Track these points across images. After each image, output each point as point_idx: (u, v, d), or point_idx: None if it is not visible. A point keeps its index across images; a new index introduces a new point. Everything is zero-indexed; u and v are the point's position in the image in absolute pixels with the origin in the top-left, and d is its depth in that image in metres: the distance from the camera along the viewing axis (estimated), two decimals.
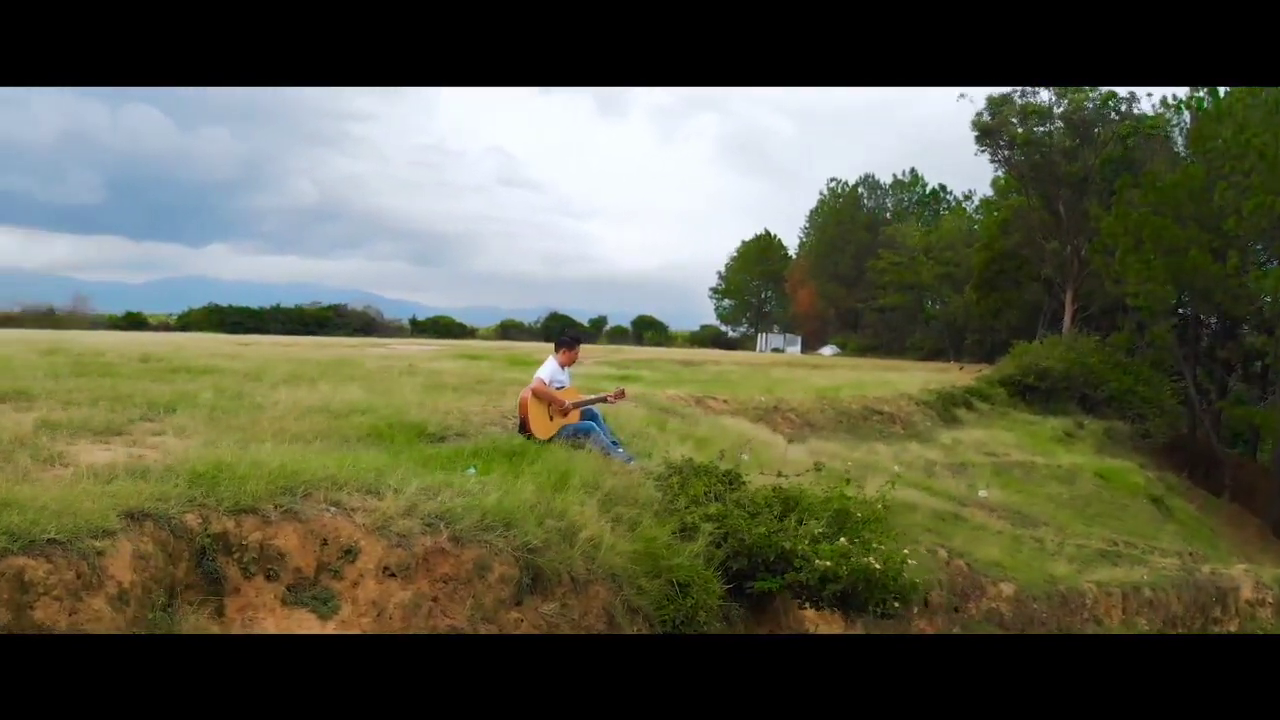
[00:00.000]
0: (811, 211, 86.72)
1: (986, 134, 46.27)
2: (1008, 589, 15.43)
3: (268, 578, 5.60)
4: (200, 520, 5.47)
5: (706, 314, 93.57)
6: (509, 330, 67.95)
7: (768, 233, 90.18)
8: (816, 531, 8.23)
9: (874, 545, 8.05)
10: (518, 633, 6.29)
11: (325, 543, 5.83)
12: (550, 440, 9.01)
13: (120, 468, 5.82)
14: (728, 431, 17.40)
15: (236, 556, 5.52)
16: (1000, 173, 52.70)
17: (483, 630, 6.14)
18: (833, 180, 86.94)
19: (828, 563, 7.70)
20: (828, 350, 74.65)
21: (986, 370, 41.37)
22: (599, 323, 77.47)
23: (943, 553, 15.18)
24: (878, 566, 7.74)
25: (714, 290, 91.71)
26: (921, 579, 13.88)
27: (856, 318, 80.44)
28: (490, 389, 14.08)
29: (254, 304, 63.34)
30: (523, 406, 9.19)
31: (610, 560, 7.11)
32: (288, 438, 7.68)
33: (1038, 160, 46.23)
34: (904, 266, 67.58)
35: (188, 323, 58.16)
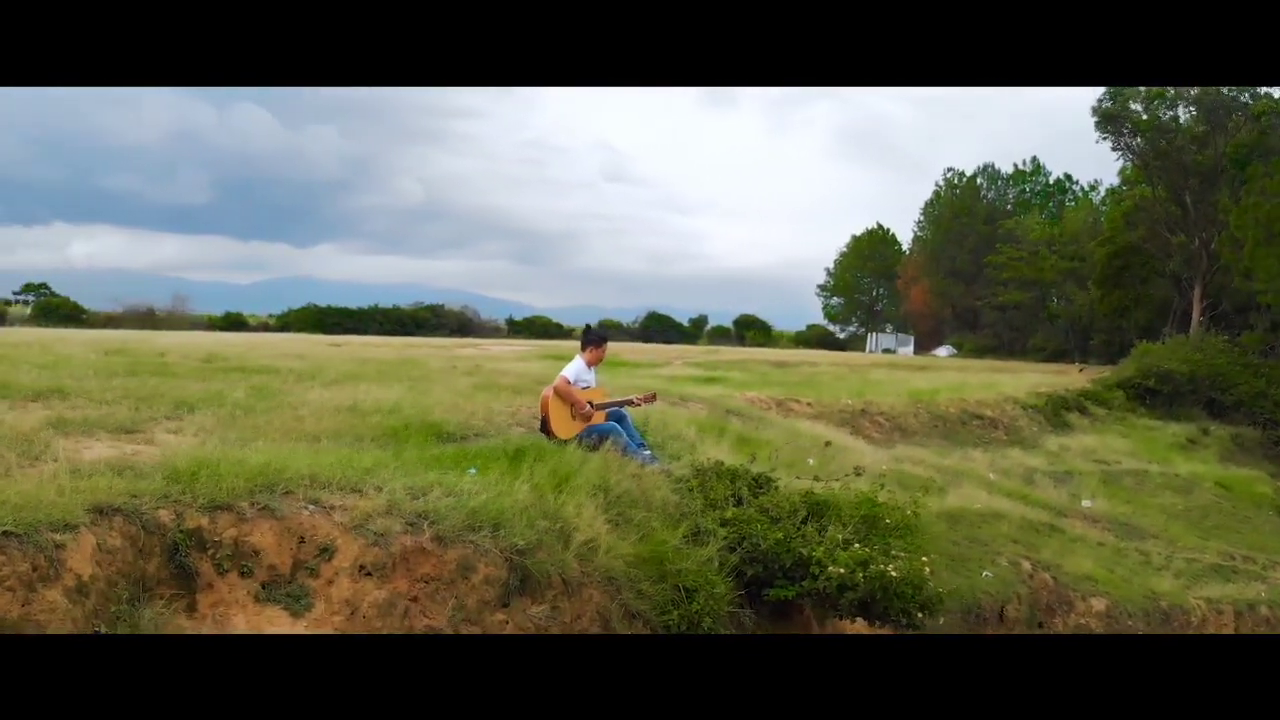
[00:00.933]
0: (926, 203, 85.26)
1: (1108, 120, 44.81)
2: (1099, 604, 14.99)
3: (242, 574, 5.83)
4: (174, 516, 5.73)
5: (817, 313, 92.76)
6: (608, 329, 68.48)
7: (880, 226, 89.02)
8: (840, 538, 8.19)
9: (894, 554, 7.95)
10: (501, 634, 6.41)
11: (302, 540, 6.05)
12: (570, 441, 9.13)
13: (104, 464, 6.14)
14: (798, 435, 17.33)
15: (210, 553, 5.77)
16: (1126, 161, 51.02)
17: (464, 631, 6.28)
18: (949, 170, 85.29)
19: (841, 569, 7.65)
20: (943, 351, 73.26)
21: (1107, 373, 40.14)
22: (699, 322, 77.51)
23: (1026, 565, 14.85)
24: (894, 574, 7.65)
25: (821, 288, 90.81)
26: (996, 592, 13.68)
27: (975, 317, 78.66)
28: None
29: (359, 304, 65.19)
30: (544, 406, 9.33)
31: (607, 563, 7.20)
32: (294, 437, 7.97)
33: (1163, 147, 44.58)
34: (1025, 262, 65.87)
35: (287, 323, 60.12)
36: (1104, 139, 45.76)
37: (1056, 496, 21.29)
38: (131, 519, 5.53)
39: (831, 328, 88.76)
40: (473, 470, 7.57)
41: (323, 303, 65.15)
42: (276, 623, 5.75)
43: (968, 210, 79.67)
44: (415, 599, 6.24)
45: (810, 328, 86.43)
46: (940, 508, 15.59)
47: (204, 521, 5.81)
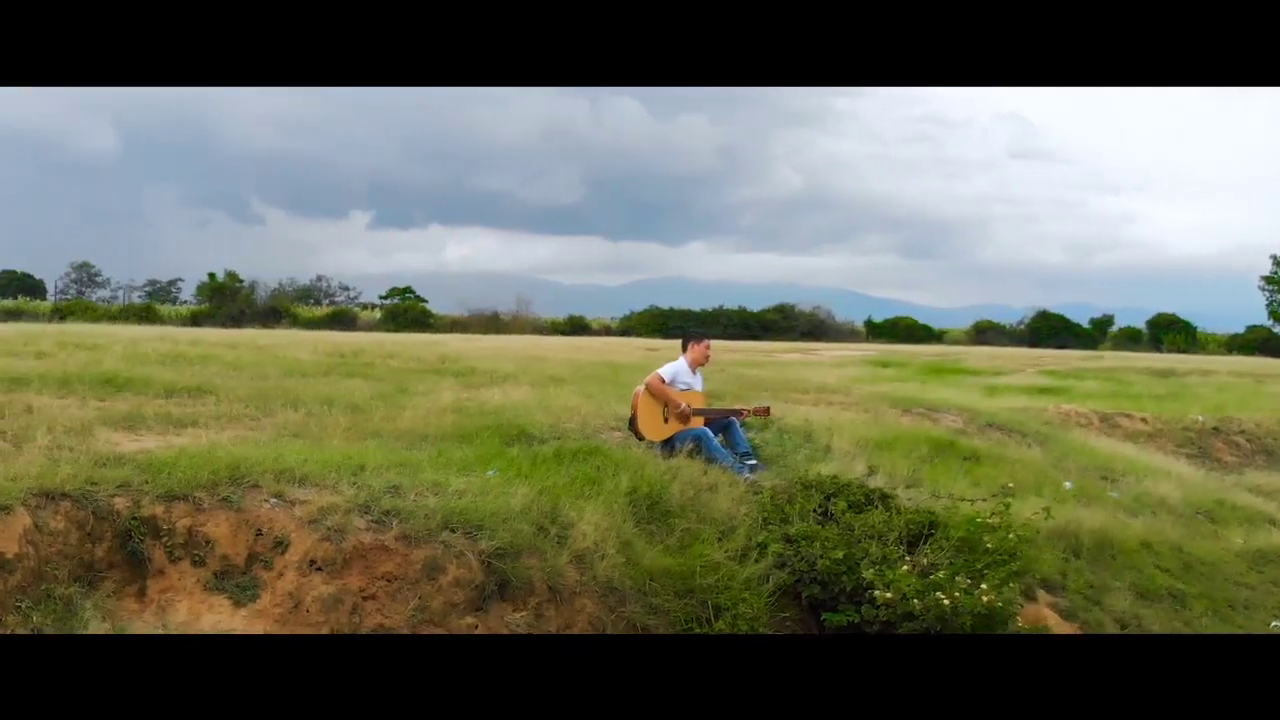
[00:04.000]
0: None
1: None
2: None
3: (194, 563, 6.69)
4: (130, 504, 6.68)
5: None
6: (984, 332, 65.53)
7: None
8: (925, 562, 7.96)
9: (958, 581, 7.57)
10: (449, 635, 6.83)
11: (260, 533, 6.82)
12: (656, 443, 9.40)
13: (91, 454, 7.22)
14: (1078, 455, 16.29)
15: (163, 541, 6.66)
16: None
17: (423, 632, 6.77)
18: None
19: (888, 594, 7.43)
20: None
21: None
22: (1102, 324, 72.44)
23: None
24: (946, 602, 7.31)
25: (1267, 280, 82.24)
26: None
27: None
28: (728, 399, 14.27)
29: (728, 305, 66.93)
30: (635, 402, 9.65)
31: (611, 573, 7.43)
32: (342, 434, 8.87)
33: None
34: None
35: (629, 327, 62.96)
36: None
37: None
38: (81, 504, 6.52)
39: (1278, 330, 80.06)
40: (492, 471, 8.06)
41: (694, 306, 67.62)
42: (219, 611, 6.54)
43: None
44: (372, 596, 6.82)
45: (1250, 329, 78.17)
46: (1250, 545, 14.25)
47: (159, 510, 6.72)
